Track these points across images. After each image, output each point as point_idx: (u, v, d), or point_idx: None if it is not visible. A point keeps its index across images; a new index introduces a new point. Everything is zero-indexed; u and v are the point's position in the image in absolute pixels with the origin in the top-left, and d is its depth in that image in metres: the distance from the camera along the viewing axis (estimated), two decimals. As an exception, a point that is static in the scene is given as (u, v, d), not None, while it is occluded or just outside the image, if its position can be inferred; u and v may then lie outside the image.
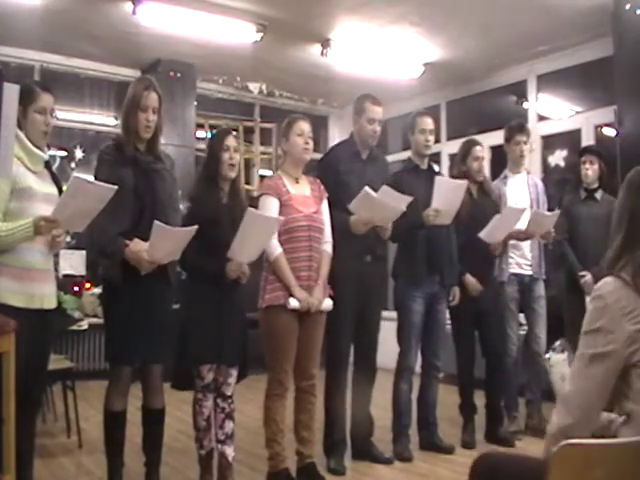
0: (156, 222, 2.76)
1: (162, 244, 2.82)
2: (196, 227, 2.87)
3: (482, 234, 3.98)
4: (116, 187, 2.64)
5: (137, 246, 2.81)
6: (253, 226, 3.01)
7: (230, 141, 3.20)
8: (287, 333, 3.26)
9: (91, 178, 2.75)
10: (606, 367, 1.57)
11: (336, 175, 3.65)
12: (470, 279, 4.09)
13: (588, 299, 1.64)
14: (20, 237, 2.58)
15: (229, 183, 3.24)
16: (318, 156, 4.18)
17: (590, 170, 4.42)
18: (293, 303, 3.22)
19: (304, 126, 3.40)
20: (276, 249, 3.25)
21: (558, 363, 1.99)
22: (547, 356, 2.02)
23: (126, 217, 2.85)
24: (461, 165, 4.28)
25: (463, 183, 3.85)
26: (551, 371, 1.99)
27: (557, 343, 2.04)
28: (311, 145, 3.42)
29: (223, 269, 3.06)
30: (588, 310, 1.65)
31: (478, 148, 4.27)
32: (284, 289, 3.25)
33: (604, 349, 1.57)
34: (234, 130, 3.60)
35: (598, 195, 4.44)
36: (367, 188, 3.40)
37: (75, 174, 2.65)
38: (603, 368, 1.57)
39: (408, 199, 3.53)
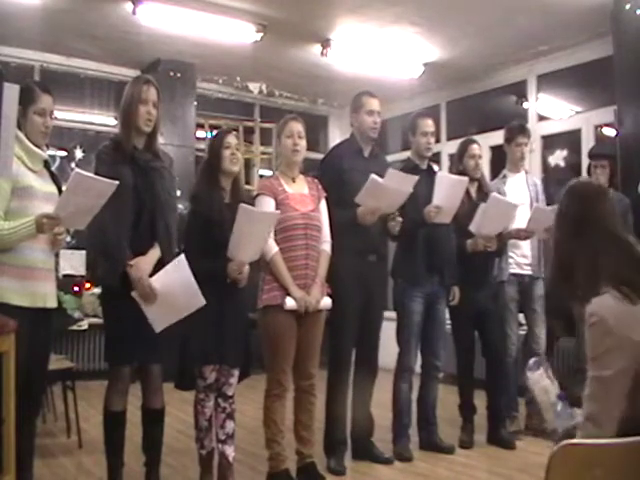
0: (182, 260, 2.81)
1: (171, 284, 2.83)
2: (203, 302, 2.87)
3: (471, 227, 3.96)
4: (117, 182, 2.65)
5: (139, 272, 2.80)
6: (248, 223, 2.99)
7: (231, 139, 3.21)
8: (285, 333, 3.26)
9: (92, 174, 2.75)
10: (624, 380, 1.59)
11: (339, 174, 3.65)
12: (470, 241, 4.04)
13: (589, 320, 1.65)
14: (22, 235, 2.58)
15: (231, 182, 3.23)
16: (318, 156, 4.19)
17: (602, 175, 4.41)
18: (289, 303, 3.22)
19: (293, 127, 3.41)
20: (272, 248, 3.25)
21: (538, 379, 2.02)
22: (527, 375, 2.05)
23: (128, 218, 2.86)
24: (458, 164, 4.28)
25: (464, 179, 3.86)
26: (533, 389, 2.01)
27: (531, 361, 2.07)
28: (301, 145, 3.41)
29: (224, 269, 3.06)
30: (589, 336, 1.66)
31: (474, 146, 4.26)
32: (281, 289, 3.25)
33: (618, 366, 1.59)
34: (234, 130, 3.61)
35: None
36: (374, 176, 3.40)
37: (76, 169, 2.64)
38: (621, 382, 1.59)
39: (414, 179, 3.54)
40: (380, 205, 3.48)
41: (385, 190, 3.44)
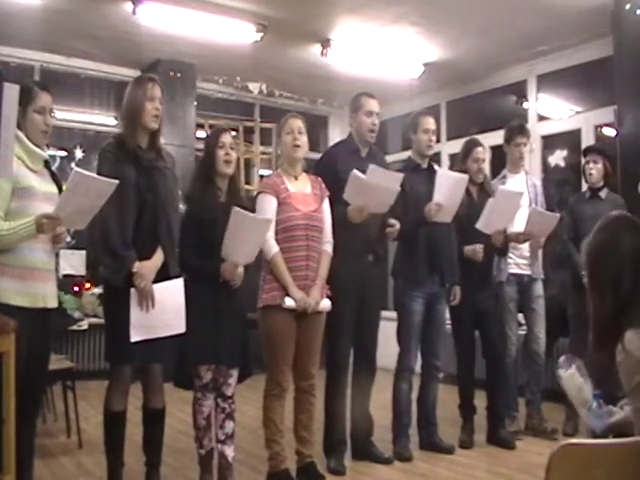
0: (181, 283, 2.91)
1: (165, 300, 2.90)
2: (184, 330, 2.94)
3: (479, 224, 3.95)
4: (117, 182, 2.65)
5: (144, 280, 2.84)
6: (241, 226, 2.99)
7: (225, 138, 3.20)
8: (284, 333, 3.26)
9: (91, 173, 2.74)
10: None
11: (335, 174, 3.63)
12: (469, 248, 4.04)
13: (617, 357, 1.63)
14: (22, 236, 2.58)
15: (227, 181, 3.23)
16: (318, 156, 4.19)
17: (594, 170, 4.40)
18: (289, 302, 3.22)
19: (293, 124, 3.40)
20: (273, 248, 3.24)
21: (571, 377, 1.97)
22: (558, 374, 2.00)
23: (131, 217, 2.87)
24: (462, 165, 4.28)
25: (464, 177, 3.86)
26: (566, 385, 1.96)
27: (561, 359, 2.02)
28: (302, 141, 3.39)
29: (218, 269, 3.05)
30: (622, 370, 1.63)
31: (479, 149, 4.26)
32: (281, 289, 3.24)
33: None
34: (234, 130, 3.61)
35: (603, 194, 4.42)
36: (355, 171, 3.38)
37: (76, 169, 2.64)
38: None
39: (399, 176, 3.52)
40: (367, 203, 3.44)
41: (369, 187, 3.38)
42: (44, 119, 2.77)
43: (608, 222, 1.77)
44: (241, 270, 3.10)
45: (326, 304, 3.37)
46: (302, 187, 3.42)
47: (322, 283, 3.36)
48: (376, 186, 3.40)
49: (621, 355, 1.62)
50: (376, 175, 3.40)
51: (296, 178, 3.42)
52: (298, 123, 3.40)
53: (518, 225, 4.17)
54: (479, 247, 4.02)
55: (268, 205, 3.29)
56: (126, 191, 2.80)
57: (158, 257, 2.94)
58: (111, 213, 2.76)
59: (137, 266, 2.83)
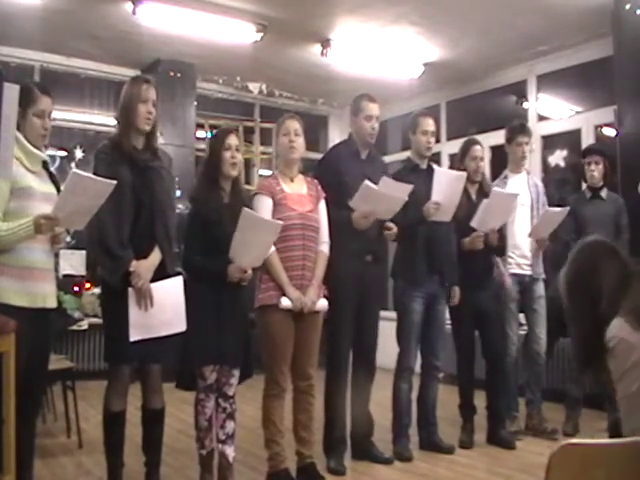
0: (180, 281, 2.90)
1: (164, 299, 2.89)
2: (184, 329, 2.94)
3: (473, 223, 3.95)
4: (115, 182, 2.65)
5: (141, 280, 2.84)
6: (250, 227, 2.99)
7: (232, 140, 3.19)
8: (282, 333, 3.25)
9: (89, 174, 2.74)
10: None
11: (336, 175, 3.65)
12: (467, 239, 4.03)
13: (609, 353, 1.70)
14: (21, 236, 2.58)
15: (231, 182, 3.23)
16: (318, 156, 4.19)
17: (595, 171, 4.40)
18: (285, 303, 3.21)
19: (289, 125, 3.40)
20: None
21: None
22: None
23: (127, 217, 2.87)
24: (460, 165, 4.27)
25: (462, 174, 3.87)
26: None
27: None
28: (298, 143, 3.39)
29: (225, 271, 3.06)
30: (613, 358, 1.67)
31: (477, 147, 4.25)
32: (277, 289, 3.24)
33: None
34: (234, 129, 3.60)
35: (604, 194, 4.42)
36: (367, 181, 3.41)
37: (74, 169, 2.64)
38: None
39: (408, 187, 3.55)
40: (375, 209, 3.49)
41: (379, 196, 3.45)
42: (43, 123, 2.77)
43: (584, 249, 1.91)
44: (250, 272, 3.10)
45: (323, 304, 3.37)
46: (298, 188, 3.42)
47: (318, 283, 3.36)
48: (386, 196, 3.45)
49: (613, 341, 1.67)
50: (388, 186, 3.46)
51: (292, 179, 3.42)
52: (295, 125, 3.40)
53: (519, 226, 4.18)
54: (477, 236, 4.00)
55: (264, 206, 3.29)
56: (122, 192, 2.79)
57: (155, 256, 2.94)
58: (107, 214, 2.76)
59: (134, 265, 2.84)
